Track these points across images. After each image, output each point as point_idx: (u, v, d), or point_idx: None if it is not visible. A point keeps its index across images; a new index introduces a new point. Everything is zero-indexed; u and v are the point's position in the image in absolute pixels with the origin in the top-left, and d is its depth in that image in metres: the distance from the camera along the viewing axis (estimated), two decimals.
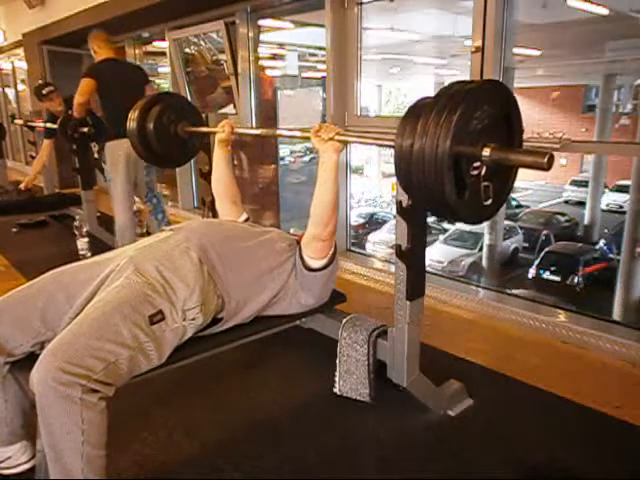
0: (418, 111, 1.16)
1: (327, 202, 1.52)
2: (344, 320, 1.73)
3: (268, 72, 4.43)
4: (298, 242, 1.64)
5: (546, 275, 8.01)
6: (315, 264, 1.57)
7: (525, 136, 2.19)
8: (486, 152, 1.14)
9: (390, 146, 1.24)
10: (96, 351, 1.13)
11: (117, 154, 3.10)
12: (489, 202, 1.17)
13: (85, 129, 3.36)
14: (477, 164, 1.14)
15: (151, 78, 5.66)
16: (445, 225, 10.40)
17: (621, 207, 10.69)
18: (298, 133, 1.70)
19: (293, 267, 1.59)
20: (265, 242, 1.60)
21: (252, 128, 2.20)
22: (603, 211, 10.84)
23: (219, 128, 1.96)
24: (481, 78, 2.29)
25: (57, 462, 1.10)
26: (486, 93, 1.18)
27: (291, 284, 1.59)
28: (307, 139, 1.61)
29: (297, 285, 1.59)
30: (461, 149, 1.10)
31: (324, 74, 3.09)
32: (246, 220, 1.91)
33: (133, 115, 2.18)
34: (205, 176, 2.41)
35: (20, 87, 8.08)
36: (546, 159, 1.06)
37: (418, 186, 1.17)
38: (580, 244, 9.09)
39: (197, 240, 1.47)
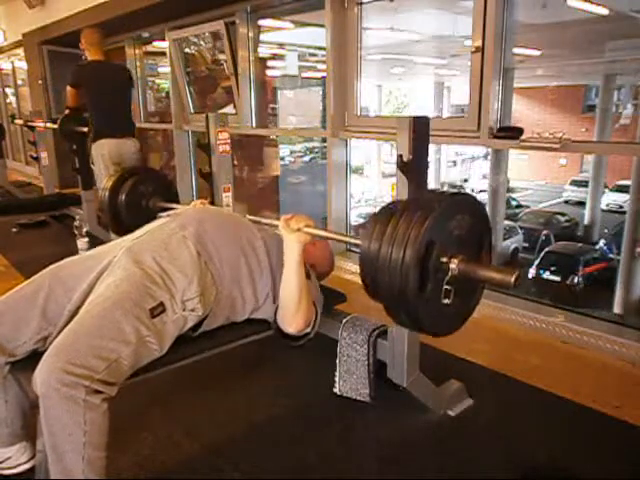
0: (388, 216, 1.13)
1: (290, 293, 1.47)
2: (344, 320, 1.73)
3: (268, 72, 4.43)
4: None
5: (546, 275, 8.00)
6: (286, 330, 1.52)
7: (525, 136, 2.21)
8: (454, 264, 1.12)
9: (357, 245, 1.23)
10: (98, 350, 1.13)
11: (102, 154, 3.13)
12: (449, 301, 1.15)
13: (85, 129, 3.37)
14: (444, 268, 1.13)
15: (151, 78, 5.71)
16: None
17: (621, 207, 10.70)
18: (268, 220, 1.69)
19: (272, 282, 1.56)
20: (259, 234, 1.57)
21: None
22: (603, 211, 10.85)
23: (191, 206, 1.94)
24: (481, 79, 2.30)
25: (58, 463, 1.10)
26: (458, 205, 1.17)
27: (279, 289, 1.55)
28: (274, 227, 1.57)
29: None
30: (429, 258, 1.09)
31: (324, 74, 3.09)
32: None
33: (107, 184, 2.19)
34: (205, 176, 2.41)
35: (20, 87, 8.09)
36: (513, 278, 1.06)
37: (382, 289, 1.15)
38: (580, 244, 9.08)
39: (193, 229, 1.46)
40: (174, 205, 2.24)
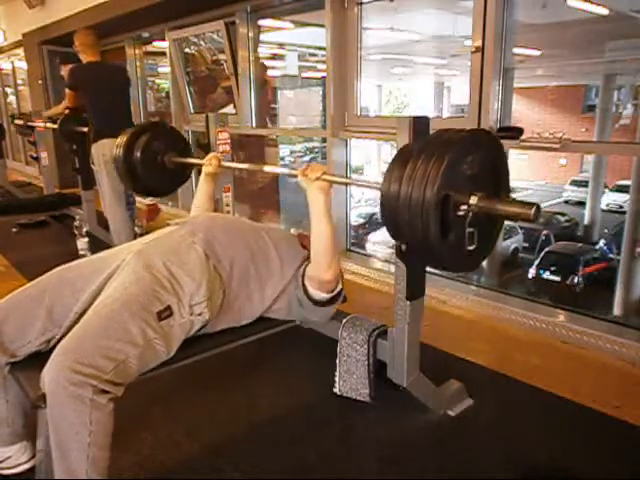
0: (406, 156, 1.15)
1: (324, 246, 1.49)
2: (344, 320, 1.73)
3: (268, 72, 4.43)
4: (302, 245, 1.64)
5: (546, 275, 7.99)
6: (318, 296, 1.55)
7: (525, 136, 2.21)
8: (473, 200, 1.14)
9: (377, 189, 1.24)
10: (106, 350, 1.14)
11: (102, 154, 3.13)
12: (473, 247, 1.17)
13: (85, 129, 3.37)
14: (464, 210, 1.15)
15: (151, 78, 5.71)
16: None
17: (621, 207, 10.69)
18: (286, 170, 1.69)
19: (294, 273, 1.57)
20: (268, 239, 1.59)
21: (240, 162, 2.19)
22: (603, 211, 10.83)
23: (206, 161, 1.97)
24: (481, 79, 2.30)
25: (62, 462, 1.10)
26: (475, 142, 1.18)
27: (292, 290, 1.57)
28: (293, 176, 1.59)
29: (298, 301, 1.57)
30: (448, 196, 1.11)
31: (324, 74, 3.09)
32: None
33: (120, 142, 2.18)
34: None
35: (20, 87, 8.09)
36: (533, 211, 1.08)
37: (404, 229, 1.16)
38: (580, 244, 9.07)
39: (203, 234, 1.48)
40: (189, 160, 2.24)
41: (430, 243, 1.12)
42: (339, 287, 1.57)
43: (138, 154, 2.15)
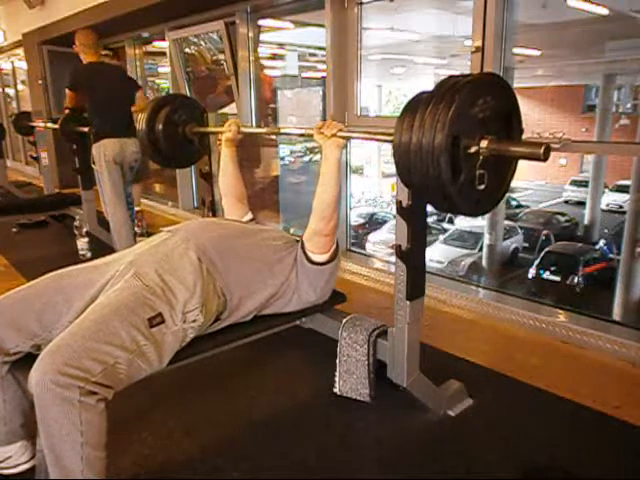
0: (417, 102, 1.17)
1: (329, 198, 1.54)
2: (344, 320, 1.72)
3: (268, 72, 4.43)
4: (298, 241, 1.65)
5: (546, 275, 7.99)
6: (317, 258, 1.59)
7: (525, 136, 2.20)
8: (484, 143, 1.15)
9: (391, 141, 1.25)
10: (94, 353, 1.13)
11: (103, 154, 3.14)
12: (483, 187, 1.19)
13: (85, 129, 3.37)
14: (474, 150, 1.16)
15: (151, 78, 5.70)
16: (445, 225, 10.41)
17: (621, 207, 10.68)
18: (302, 131, 1.73)
19: (293, 264, 1.60)
20: (264, 239, 1.61)
21: (258, 127, 2.19)
22: (603, 211, 10.83)
23: (225, 127, 2.01)
24: None
25: (56, 463, 1.09)
26: (486, 85, 1.19)
27: (292, 280, 1.59)
28: (309, 136, 1.64)
29: (298, 281, 1.60)
30: (459, 138, 1.12)
31: (324, 74, 3.09)
32: (251, 220, 1.92)
33: (143, 115, 2.21)
34: (205, 176, 2.41)
35: (20, 87, 8.09)
36: (542, 150, 1.09)
37: (416, 174, 1.18)
38: (580, 244, 9.07)
39: (196, 240, 1.47)
40: (209, 129, 2.28)
41: (441, 185, 1.13)
42: (334, 245, 1.62)
43: (160, 125, 2.19)
